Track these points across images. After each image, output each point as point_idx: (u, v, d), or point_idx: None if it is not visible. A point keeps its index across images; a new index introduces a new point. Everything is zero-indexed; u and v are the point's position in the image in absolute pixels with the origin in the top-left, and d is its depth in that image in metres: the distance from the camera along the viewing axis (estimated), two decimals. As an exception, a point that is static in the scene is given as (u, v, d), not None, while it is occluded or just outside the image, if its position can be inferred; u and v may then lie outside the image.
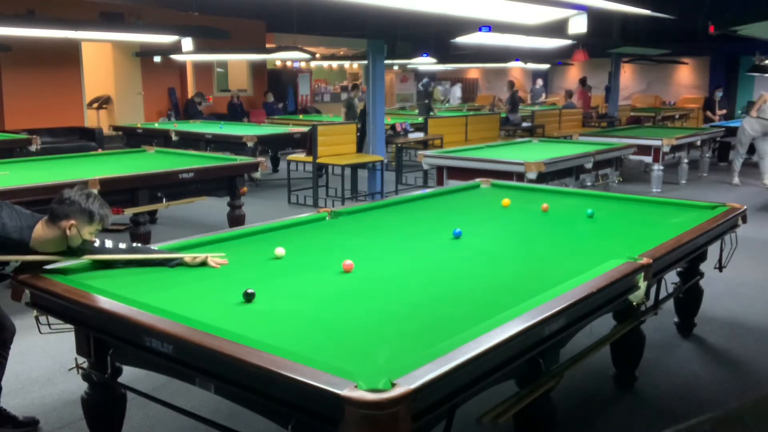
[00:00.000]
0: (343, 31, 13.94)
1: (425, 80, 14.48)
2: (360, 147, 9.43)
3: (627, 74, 20.18)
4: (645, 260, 2.88)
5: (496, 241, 3.54)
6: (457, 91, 20.46)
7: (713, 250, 4.14)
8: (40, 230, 2.69)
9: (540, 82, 18.78)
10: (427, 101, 13.60)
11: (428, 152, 7.44)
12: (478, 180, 5.16)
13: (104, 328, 2.42)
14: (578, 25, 6.34)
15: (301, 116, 14.51)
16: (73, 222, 2.64)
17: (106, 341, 2.52)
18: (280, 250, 3.09)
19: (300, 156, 9.13)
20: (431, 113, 12.70)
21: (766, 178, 10.07)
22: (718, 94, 14.40)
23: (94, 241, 2.76)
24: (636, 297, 2.86)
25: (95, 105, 13.93)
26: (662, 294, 3.70)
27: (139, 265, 2.84)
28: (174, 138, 9.62)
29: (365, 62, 9.87)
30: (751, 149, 10.34)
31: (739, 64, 18.58)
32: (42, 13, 9.23)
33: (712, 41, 13.02)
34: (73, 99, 12.58)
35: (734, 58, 18.76)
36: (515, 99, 13.57)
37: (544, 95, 18.77)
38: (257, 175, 7.11)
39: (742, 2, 8.53)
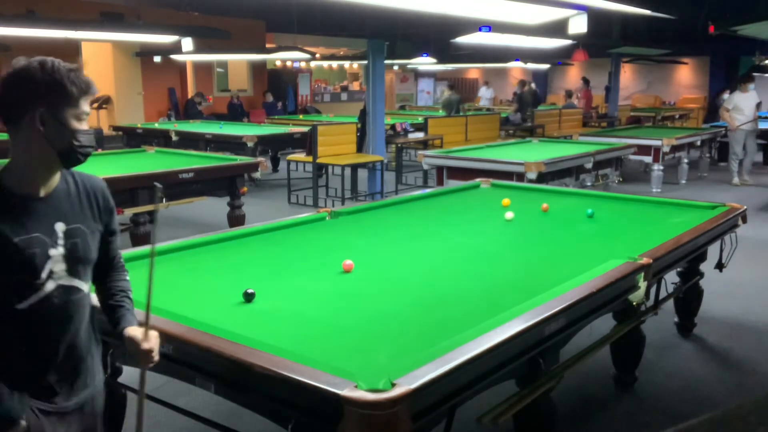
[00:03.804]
0: (343, 31, 13.94)
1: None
2: (360, 147, 9.43)
3: (627, 74, 20.18)
4: (645, 260, 2.88)
5: (496, 241, 3.54)
6: (486, 92, 20.53)
7: (713, 250, 4.14)
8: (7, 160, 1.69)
9: (532, 86, 18.47)
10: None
11: (428, 152, 7.44)
12: (478, 180, 5.16)
13: (104, 328, 2.41)
14: (578, 25, 6.35)
15: (301, 116, 14.51)
16: (41, 109, 1.64)
17: (106, 341, 2.52)
18: (509, 214, 3.82)
19: (300, 156, 9.12)
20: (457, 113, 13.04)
21: (736, 178, 10.14)
22: (725, 96, 14.35)
23: (90, 131, 1.81)
24: (636, 297, 2.86)
25: (95, 105, 13.93)
26: (662, 294, 3.70)
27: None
28: (174, 138, 9.62)
29: (365, 62, 9.86)
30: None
31: (739, 64, 18.58)
32: (42, 13, 9.22)
33: (712, 41, 13.04)
34: (73, 99, 12.56)
35: (734, 58, 18.76)
36: (523, 99, 13.53)
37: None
38: (257, 175, 7.11)
39: (742, 2, 8.53)
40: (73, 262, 1.71)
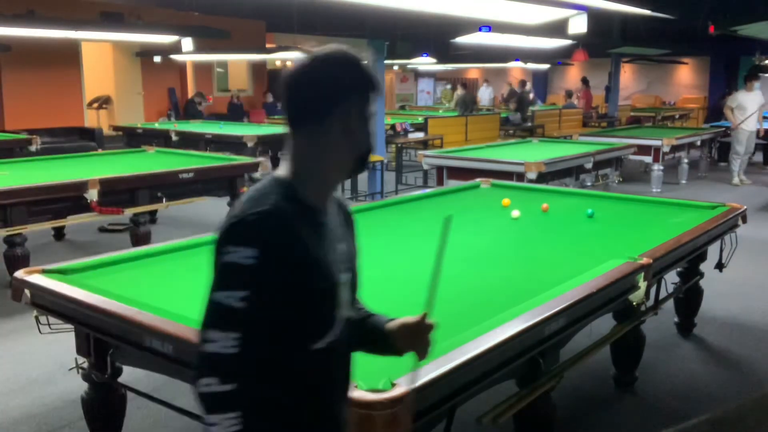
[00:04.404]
0: (343, 31, 13.94)
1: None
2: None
3: (627, 74, 20.19)
4: (645, 260, 2.88)
5: (496, 241, 3.54)
6: (486, 92, 20.50)
7: (713, 250, 4.14)
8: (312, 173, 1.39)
9: (528, 86, 18.11)
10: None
11: (428, 152, 7.44)
12: (478, 180, 5.16)
13: (104, 328, 2.42)
14: (578, 25, 6.35)
15: (301, 116, 14.49)
16: (351, 107, 1.38)
17: (106, 341, 2.52)
18: (515, 213, 3.89)
19: (300, 156, 9.10)
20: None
21: (736, 178, 10.15)
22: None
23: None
24: (636, 297, 2.86)
25: (95, 105, 13.92)
26: (662, 294, 3.70)
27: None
28: (174, 138, 9.62)
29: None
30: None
31: (739, 64, 18.59)
32: (42, 13, 9.22)
33: (712, 41, 13.04)
34: (73, 99, 12.58)
35: (734, 58, 18.76)
36: (524, 99, 13.54)
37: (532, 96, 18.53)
38: (257, 175, 7.09)
39: (742, 2, 8.53)
40: (353, 289, 1.51)
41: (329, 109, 1.35)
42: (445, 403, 1.89)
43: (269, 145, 9.85)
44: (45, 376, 3.73)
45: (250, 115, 14.70)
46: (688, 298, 4.23)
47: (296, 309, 1.30)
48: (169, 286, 2.69)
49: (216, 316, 1.25)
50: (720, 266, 4.27)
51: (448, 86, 21.20)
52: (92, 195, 5.01)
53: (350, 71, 1.38)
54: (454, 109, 14.24)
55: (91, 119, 13.46)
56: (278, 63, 16.84)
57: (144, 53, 13.61)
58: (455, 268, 3.03)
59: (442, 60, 15.31)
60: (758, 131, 10.36)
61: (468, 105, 13.58)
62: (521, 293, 2.50)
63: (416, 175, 10.19)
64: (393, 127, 10.54)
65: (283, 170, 1.40)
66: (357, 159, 1.43)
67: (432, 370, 1.80)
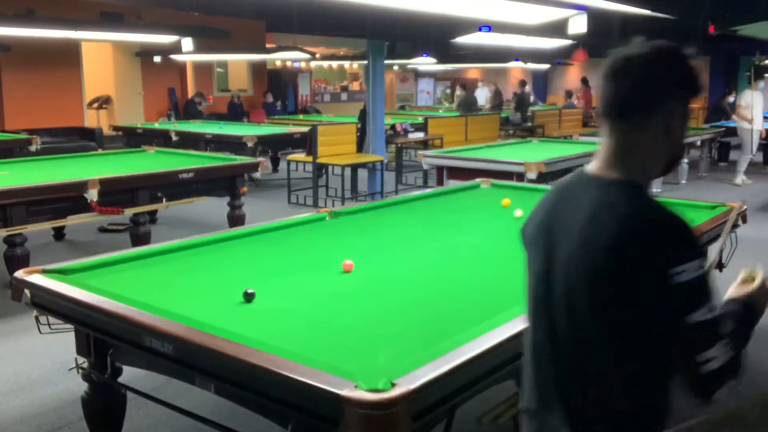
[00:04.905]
0: (343, 31, 13.94)
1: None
2: (360, 147, 9.44)
3: (627, 74, 20.15)
4: (645, 260, 2.87)
5: (496, 240, 3.54)
6: (482, 93, 20.46)
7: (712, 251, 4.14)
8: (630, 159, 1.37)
9: (528, 88, 18.00)
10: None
11: (428, 152, 7.44)
12: (478, 180, 5.16)
13: (104, 328, 2.42)
14: (578, 25, 6.35)
15: (301, 116, 14.52)
16: (675, 103, 1.37)
17: (106, 341, 2.52)
18: (518, 212, 3.84)
19: (300, 156, 9.12)
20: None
21: (739, 177, 10.17)
22: (731, 99, 14.26)
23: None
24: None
25: (95, 105, 13.92)
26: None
27: None
28: (174, 138, 9.63)
29: (365, 62, 9.87)
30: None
31: (739, 64, 18.57)
32: (42, 13, 9.22)
33: (712, 41, 13.02)
34: (73, 99, 12.58)
35: (734, 58, 18.75)
36: (524, 99, 13.55)
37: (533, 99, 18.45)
38: (257, 175, 7.10)
39: (742, 2, 8.53)
40: None
41: (658, 102, 1.34)
42: (445, 403, 1.89)
43: (269, 145, 9.87)
44: (45, 376, 3.74)
45: (250, 115, 14.70)
46: (688, 298, 4.22)
47: None
48: (169, 286, 2.69)
49: (704, 336, 1.28)
50: (720, 266, 4.27)
51: (448, 89, 21.21)
52: (92, 195, 5.01)
53: (682, 67, 1.36)
54: (456, 109, 14.27)
55: (91, 119, 13.46)
56: (278, 63, 16.84)
57: (144, 53, 13.61)
58: (455, 268, 3.03)
59: (442, 60, 15.30)
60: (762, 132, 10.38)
61: (469, 105, 13.62)
62: (522, 293, 2.49)
63: (416, 175, 10.19)
64: (393, 127, 10.55)
65: (604, 167, 1.38)
66: (672, 161, 1.42)
67: (432, 370, 1.79)
